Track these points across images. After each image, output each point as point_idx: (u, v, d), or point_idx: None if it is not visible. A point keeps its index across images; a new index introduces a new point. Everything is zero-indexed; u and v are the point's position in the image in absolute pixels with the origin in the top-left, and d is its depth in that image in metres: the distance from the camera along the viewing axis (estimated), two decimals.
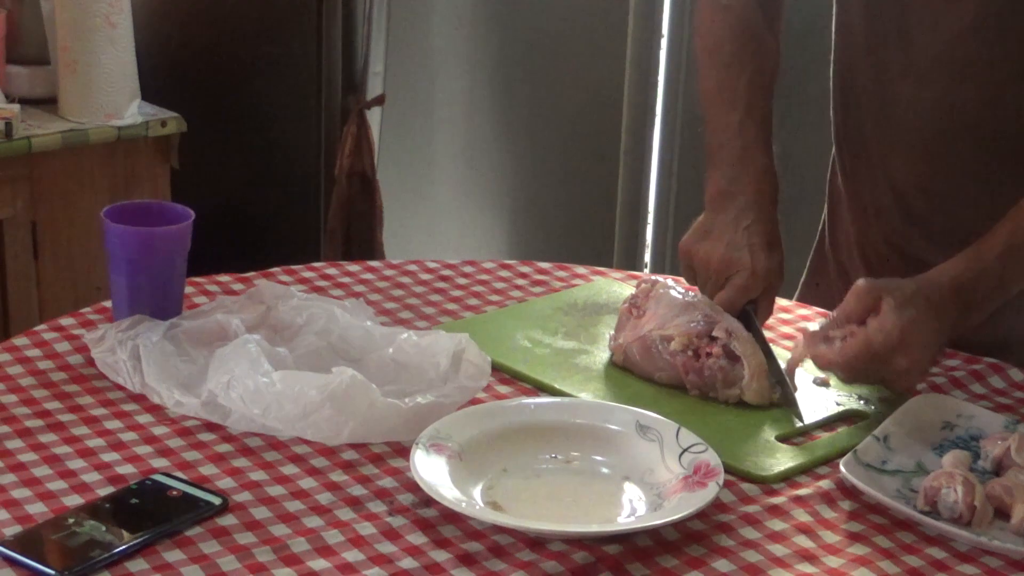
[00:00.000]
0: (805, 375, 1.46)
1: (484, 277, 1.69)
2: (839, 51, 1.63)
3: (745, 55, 1.55)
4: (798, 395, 1.39)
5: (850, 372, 1.36)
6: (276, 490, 1.19)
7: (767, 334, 1.48)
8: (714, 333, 1.39)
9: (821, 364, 1.37)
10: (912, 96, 1.52)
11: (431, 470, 1.19)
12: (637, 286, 1.51)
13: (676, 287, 1.48)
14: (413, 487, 1.19)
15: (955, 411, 1.35)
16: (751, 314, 1.46)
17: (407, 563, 1.10)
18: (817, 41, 1.69)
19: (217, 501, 1.15)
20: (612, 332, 1.49)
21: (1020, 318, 1.56)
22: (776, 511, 1.21)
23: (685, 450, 1.24)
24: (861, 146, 1.62)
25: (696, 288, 1.49)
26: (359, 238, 2.77)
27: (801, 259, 1.80)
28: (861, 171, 1.64)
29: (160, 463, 1.22)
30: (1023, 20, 1.44)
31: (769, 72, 1.57)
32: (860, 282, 1.36)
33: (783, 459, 1.29)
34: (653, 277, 1.53)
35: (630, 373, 1.44)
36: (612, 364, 1.46)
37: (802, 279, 1.79)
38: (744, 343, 1.38)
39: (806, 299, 1.72)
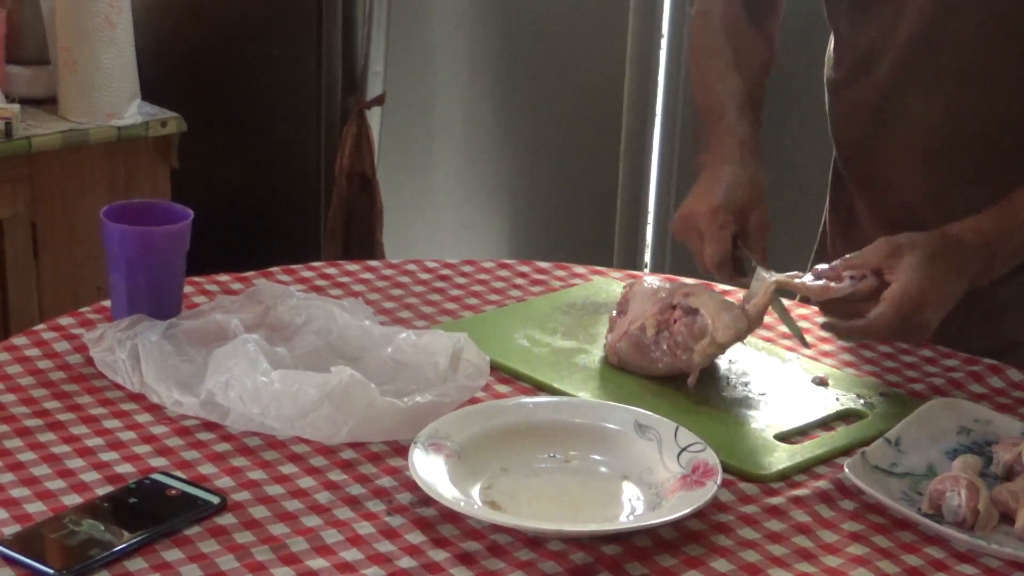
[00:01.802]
0: (804, 375, 1.46)
1: (483, 276, 1.69)
2: (837, 67, 1.62)
3: (724, 45, 1.60)
4: (794, 395, 1.39)
5: (875, 338, 1.36)
6: (275, 489, 1.19)
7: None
8: (673, 302, 1.41)
9: (844, 333, 1.36)
10: (917, 107, 1.52)
11: (430, 469, 1.19)
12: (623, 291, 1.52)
13: (650, 281, 1.49)
14: (412, 486, 1.19)
15: (972, 415, 1.35)
16: (742, 258, 1.44)
17: (406, 562, 1.10)
18: (817, 41, 1.70)
19: (216, 500, 1.15)
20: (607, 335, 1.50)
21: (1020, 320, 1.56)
22: (775, 510, 1.21)
23: (683, 449, 1.24)
24: (865, 157, 1.61)
25: (704, 256, 1.46)
26: (359, 238, 2.77)
27: (801, 259, 1.80)
28: (867, 182, 1.64)
29: (159, 462, 1.22)
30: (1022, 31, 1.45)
31: (755, 59, 1.60)
32: (881, 239, 1.36)
33: (782, 458, 1.29)
34: (633, 279, 1.54)
35: (629, 372, 1.44)
36: (610, 365, 1.46)
37: None
38: (699, 294, 1.39)
39: (806, 299, 1.71)
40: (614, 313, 1.49)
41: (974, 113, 1.49)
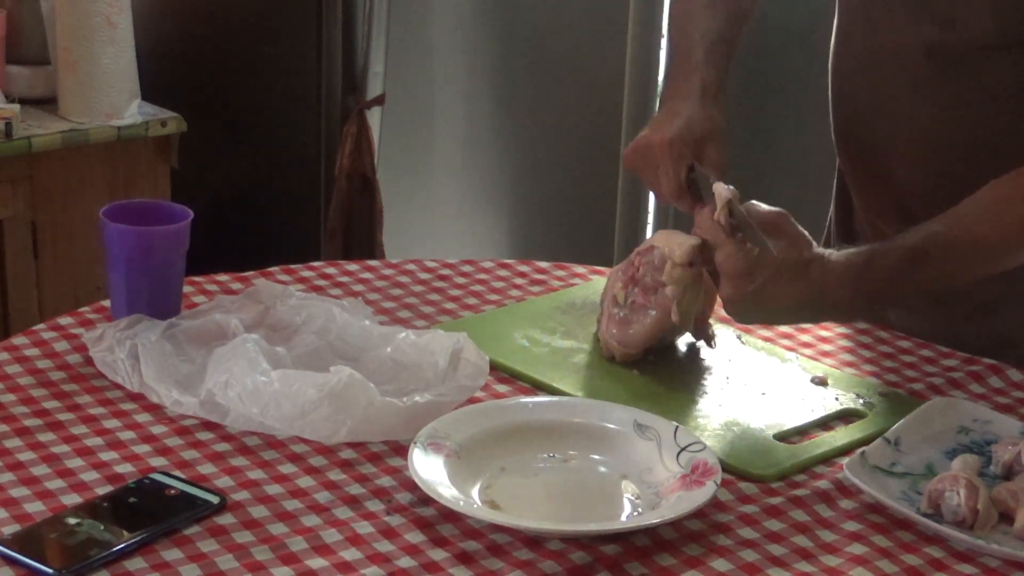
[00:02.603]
0: (803, 374, 1.46)
1: (483, 276, 1.69)
2: (839, 59, 1.63)
3: None
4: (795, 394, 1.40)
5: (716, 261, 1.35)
6: (274, 489, 1.19)
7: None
8: (631, 259, 1.45)
9: (699, 225, 1.38)
10: (911, 107, 1.53)
11: (429, 469, 1.19)
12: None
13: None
14: (411, 486, 1.19)
15: (971, 415, 1.35)
16: (697, 180, 1.43)
17: (405, 562, 1.10)
18: (820, 40, 1.70)
19: (215, 500, 1.15)
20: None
21: (1019, 315, 1.56)
22: (774, 510, 1.21)
23: (683, 449, 1.24)
24: (861, 151, 1.62)
25: (659, 187, 1.48)
26: (359, 238, 2.78)
27: None
28: (864, 176, 1.64)
29: (158, 462, 1.22)
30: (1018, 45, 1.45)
31: (733, 4, 1.59)
32: (786, 215, 1.35)
33: (781, 458, 1.29)
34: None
35: (629, 372, 1.44)
36: (611, 361, 1.46)
37: None
38: (655, 237, 1.44)
39: None
40: (598, 314, 1.51)
41: (961, 116, 1.50)
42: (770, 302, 1.32)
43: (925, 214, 1.46)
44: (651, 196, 3.29)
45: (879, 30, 1.54)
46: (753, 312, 1.36)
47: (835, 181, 1.75)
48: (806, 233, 1.35)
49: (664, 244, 1.42)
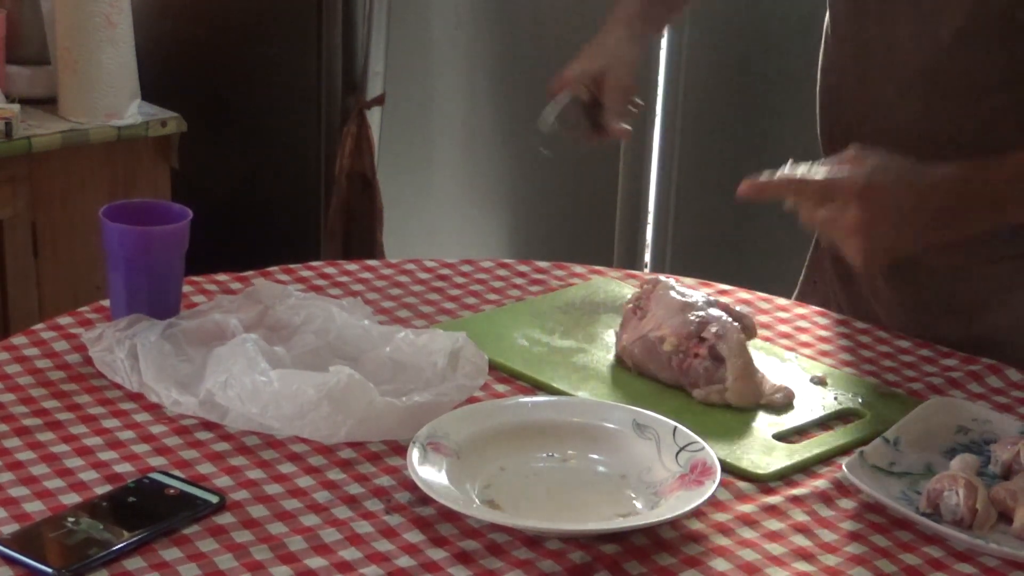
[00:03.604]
0: (803, 374, 1.46)
1: (482, 276, 1.70)
2: (828, 56, 1.65)
3: None
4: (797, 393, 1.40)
5: (802, 197, 1.34)
6: (273, 488, 1.19)
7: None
8: (703, 335, 1.39)
9: (778, 182, 1.36)
10: (894, 103, 1.54)
11: (428, 469, 1.19)
12: (640, 286, 1.51)
13: (676, 287, 1.48)
14: (410, 485, 1.19)
15: (970, 415, 1.35)
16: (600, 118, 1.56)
17: (404, 561, 1.10)
18: (814, 42, 1.70)
19: (214, 499, 1.15)
20: (615, 330, 1.49)
21: (996, 318, 1.57)
22: (773, 510, 1.21)
23: (682, 448, 1.24)
24: (847, 143, 1.63)
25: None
26: (359, 238, 2.78)
27: (799, 258, 1.80)
28: None
29: (158, 461, 1.23)
30: (1005, 33, 1.45)
31: None
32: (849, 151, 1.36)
33: (780, 458, 1.29)
34: (656, 277, 1.53)
35: (628, 371, 1.44)
36: (618, 365, 1.46)
37: (800, 278, 1.79)
38: (731, 345, 1.38)
39: (804, 298, 1.72)
40: (630, 306, 1.48)
41: (946, 114, 1.51)
42: (903, 200, 1.30)
43: None
44: (651, 196, 3.31)
45: (867, 22, 1.55)
46: (893, 229, 1.32)
47: None
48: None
49: (732, 377, 1.36)
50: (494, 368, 1.41)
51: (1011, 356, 1.52)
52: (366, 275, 1.67)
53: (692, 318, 1.41)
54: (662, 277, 1.52)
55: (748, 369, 1.38)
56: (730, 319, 1.41)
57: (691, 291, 1.48)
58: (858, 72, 1.58)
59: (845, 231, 1.32)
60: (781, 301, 1.65)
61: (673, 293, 1.46)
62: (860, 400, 1.41)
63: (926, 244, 1.40)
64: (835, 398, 1.41)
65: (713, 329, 1.39)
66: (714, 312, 1.42)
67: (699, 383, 1.38)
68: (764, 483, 1.25)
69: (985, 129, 1.49)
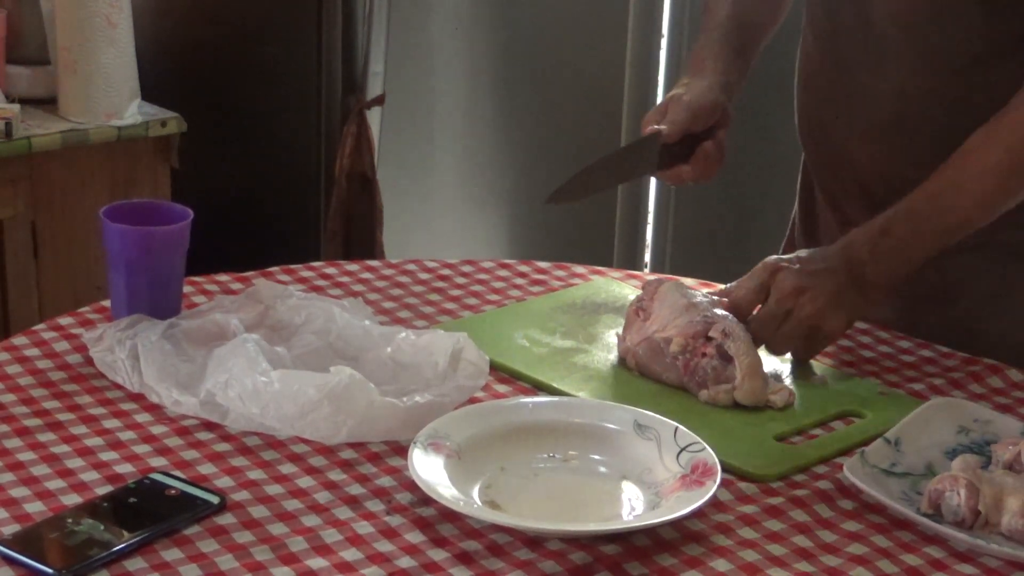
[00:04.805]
0: (803, 374, 1.46)
1: (483, 276, 1.70)
2: (806, 41, 1.66)
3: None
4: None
5: (769, 342, 1.45)
6: (274, 489, 1.19)
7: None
8: (710, 334, 1.39)
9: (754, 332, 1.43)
10: (869, 84, 1.56)
11: (429, 469, 1.19)
12: (643, 287, 1.51)
13: (680, 288, 1.47)
14: (411, 486, 1.19)
15: (971, 415, 1.35)
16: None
17: (405, 562, 1.10)
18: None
19: (215, 500, 1.15)
20: (617, 332, 1.49)
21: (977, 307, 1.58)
22: (774, 510, 1.21)
23: (683, 449, 1.24)
24: (823, 134, 1.65)
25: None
26: (359, 238, 2.78)
27: (737, 246, 1.82)
28: (825, 160, 1.67)
29: (158, 462, 1.22)
30: (978, 11, 1.47)
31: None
32: (760, 264, 1.46)
33: (781, 458, 1.29)
34: (659, 277, 1.53)
35: (629, 372, 1.44)
36: (619, 366, 1.46)
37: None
38: (739, 343, 1.38)
39: None
40: (632, 308, 1.48)
41: (921, 93, 1.53)
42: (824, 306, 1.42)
43: (887, 196, 1.48)
44: (651, 196, 3.30)
45: (841, 4, 1.56)
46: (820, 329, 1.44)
47: (800, 175, 1.77)
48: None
49: (741, 375, 1.37)
50: (495, 368, 1.41)
51: (985, 344, 1.54)
52: (367, 275, 1.67)
53: (698, 318, 1.41)
54: (665, 278, 1.52)
55: (757, 367, 1.38)
56: (735, 318, 1.41)
57: (694, 291, 1.47)
58: (833, 54, 1.59)
59: (812, 328, 1.43)
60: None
61: (677, 294, 1.45)
62: (861, 400, 1.41)
63: (890, 283, 1.47)
64: (836, 398, 1.41)
65: (720, 328, 1.39)
66: (719, 312, 1.42)
67: (707, 383, 1.38)
68: (765, 483, 1.25)
69: (960, 106, 1.50)
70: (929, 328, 1.57)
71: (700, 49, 1.66)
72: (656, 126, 1.56)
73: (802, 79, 1.68)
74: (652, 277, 1.54)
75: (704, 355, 1.38)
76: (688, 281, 1.63)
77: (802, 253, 1.47)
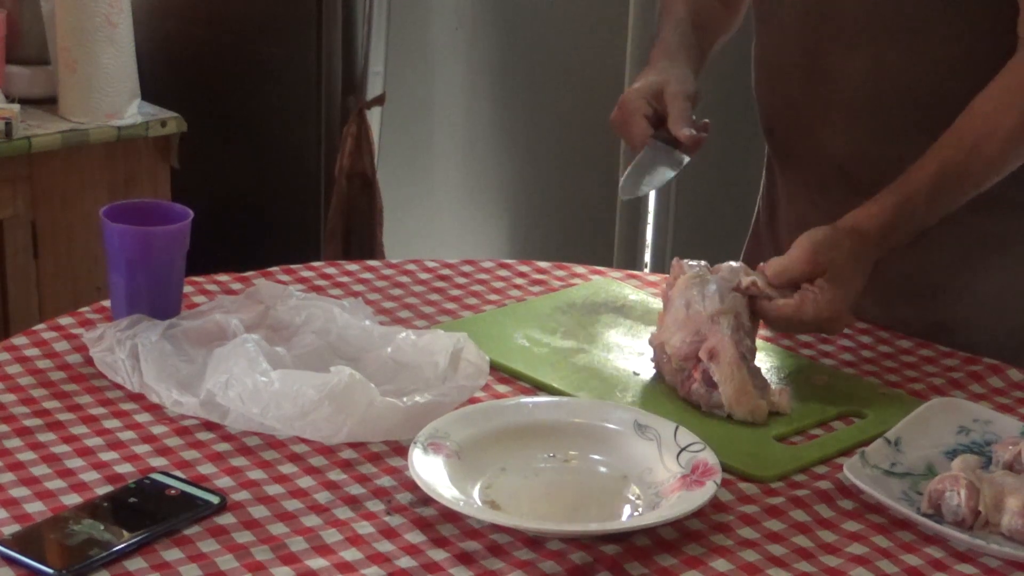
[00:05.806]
0: (803, 374, 1.46)
1: (483, 276, 1.70)
2: (762, 34, 1.66)
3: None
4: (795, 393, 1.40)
5: (777, 329, 1.48)
6: (274, 489, 1.19)
7: None
8: (699, 354, 1.38)
9: (771, 322, 1.44)
10: (841, 64, 1.55)
11: (429, 469, 1.19)
12: (672, 266, 1.47)
13: (689, 288, 1.41)
14: (411, 486, 1.19)
15: (972, 415, 1.35)
16: (671, 150, 1.53)
17: (405, 562, 1.10)
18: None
19: (215, 500, 1.15)
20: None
21: (959, 301, 1.59)
22: (774, 510, 1.21)
23: (683, 449, 1.24)
24: (793, 122, 1.63)
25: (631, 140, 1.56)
26: (359, 238, 2.77)
27: (737, 246, 1.82)
28: (797, 148, 1.66)
29: (158, 462, 1.22)
30: None
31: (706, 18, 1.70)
32: (806, 244, 1.42)
33: (781, 458, 1.29)
34: (679, 262, 1.47)
35: (629, 373, 1.44)
36: (618, 365, 1.45)
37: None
38: (723, 367, 1.35)
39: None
40: (662, 289, 1.47)
41: (895, 68, 1.52)
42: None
43: (871, 176, 1.48)
44: (651, 196, 3.30)
45: None
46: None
47: (764, 170, 1.77)
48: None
49: (727, 401, 1.35)
50: (495, 369, 1.41)
51: (967, 339, 1.54)
52: (367, 275, 1.67)
53: (689, 339, 1.39)
54: (689, 262, 1.47)
55: (742, 392, 1.35)
56: (728, 331, 1.38)
57: (698, 291, 1.44)
58: (800, 38, 1.59)
59: (831, 324, 1.43)
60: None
61: (682, 299, 1.42)
62: (860, 400, 1.41)
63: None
64: (836, 398, 1.41)
65: (708, 347, 1.37)
66: (713, 323, 1.38)
67: (700, 404, 1.37)
68: (765, 484, 1.25)
69: (935, 81, 1.50)
70: (908, 325, 1.58)
71: (668, 37, 1.67)
72: (689, 130, 1.52)
73: (762, 73, 1.67)
74: (674, 261, 1.49)
75: (694, 379, 1.38)
76: (731, 265, 1.48)
77: (846, 244, 1.42)
